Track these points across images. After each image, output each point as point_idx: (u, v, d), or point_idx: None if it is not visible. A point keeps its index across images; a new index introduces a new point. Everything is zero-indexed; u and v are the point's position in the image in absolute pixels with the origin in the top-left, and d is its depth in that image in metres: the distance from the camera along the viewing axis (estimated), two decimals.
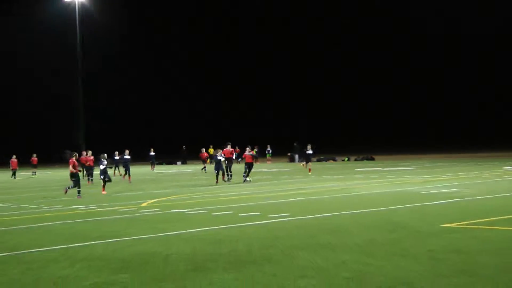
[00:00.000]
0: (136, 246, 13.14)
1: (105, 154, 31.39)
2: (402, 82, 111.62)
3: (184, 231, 15.13)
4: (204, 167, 50.79)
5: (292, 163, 65.27)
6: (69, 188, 27.92)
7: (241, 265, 10.74)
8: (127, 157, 39.70)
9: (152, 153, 58.97)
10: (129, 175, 39.23)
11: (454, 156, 65.05)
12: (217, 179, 33.85)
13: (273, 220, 16.55)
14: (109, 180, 30.55)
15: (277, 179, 36.68)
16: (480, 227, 14.16)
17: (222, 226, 15.75)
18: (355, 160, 65.90)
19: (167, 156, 79.89)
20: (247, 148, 36.11)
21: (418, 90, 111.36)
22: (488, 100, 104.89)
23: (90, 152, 38.20)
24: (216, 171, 33.98)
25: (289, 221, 16.45)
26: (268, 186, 30.86)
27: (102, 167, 30.24)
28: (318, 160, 64.86)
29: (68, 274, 10.61)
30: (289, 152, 70.96)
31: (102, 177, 30.07)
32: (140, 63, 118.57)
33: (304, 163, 41.65)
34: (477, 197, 20.91)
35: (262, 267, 10.51)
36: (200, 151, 53.27)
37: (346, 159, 66.73)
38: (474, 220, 15.24)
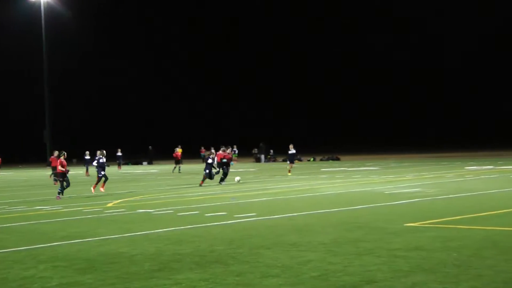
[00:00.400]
0: (102, 247, 13.10)
1: (104, 151, 30.33)
2: (402, 82, 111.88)
3: (150, 231, 15.12)
4: (175, 167, 50.26)
5: (258, 163, 65.41)
6: (60, 194, 26.36)
7: (206, 265, 10.79)
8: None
9: (119, 153, 58.56)
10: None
11: (419, 156, 65.84)
12: (203, 180, 32.37)
13: (239, 220, 16.62)
14: (104, 177, 29.01)
15: (244, 179, 36.74)
16: (442, 226, 14.41)
17: (188, 226, 15.77)
18: (321, 160, 66.31)
19: (134, 156, 79.44)
20: (224, 149, 34.93)
21: (418, 90, 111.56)
22: (488, 100, 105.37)
23: (57, 152, 37.63)
24: (207, 171, 32.24)
25: (255, 221, 16.54)
26: (234, 186, 30.91)
27: (96, 162, 29.03)
28: (284, 160, 65.07)
29: (33, 274, 10.56)
30: (254, 149, 71.12)
31: (101, 174, 28.73)
32: (140, 63, 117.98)
33: (290, 164, 40.01)
34: (439, 197, 21.24)
35: (228, 267, 10.57)
36: (174, 151, 52.40)
37: (312, 159, 67.11)
38: (436, 219, 15.50)
